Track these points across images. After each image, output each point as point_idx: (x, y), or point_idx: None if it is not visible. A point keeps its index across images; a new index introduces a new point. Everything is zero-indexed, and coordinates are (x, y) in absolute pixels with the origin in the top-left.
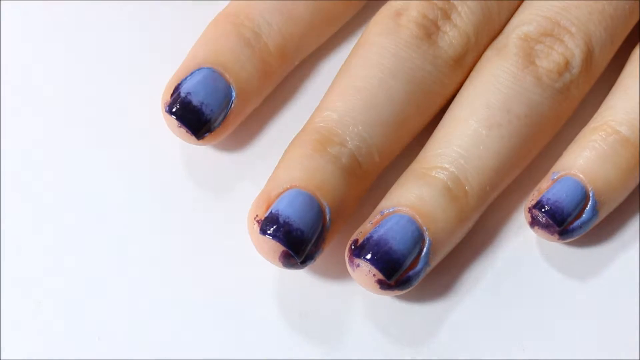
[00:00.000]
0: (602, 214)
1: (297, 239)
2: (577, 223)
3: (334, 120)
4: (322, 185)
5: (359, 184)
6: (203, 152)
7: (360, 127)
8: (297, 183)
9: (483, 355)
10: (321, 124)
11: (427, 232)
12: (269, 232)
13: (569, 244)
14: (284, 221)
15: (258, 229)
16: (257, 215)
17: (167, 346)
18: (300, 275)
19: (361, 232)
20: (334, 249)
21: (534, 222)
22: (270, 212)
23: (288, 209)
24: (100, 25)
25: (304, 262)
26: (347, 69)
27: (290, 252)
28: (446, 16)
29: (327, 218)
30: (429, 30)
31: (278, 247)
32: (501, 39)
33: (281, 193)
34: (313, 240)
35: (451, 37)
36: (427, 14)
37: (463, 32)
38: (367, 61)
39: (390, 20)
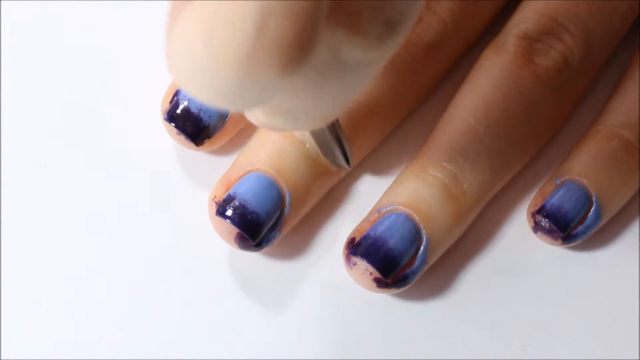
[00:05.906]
0: (605, 218)
1: (251, 222)
2: (580, 228)
3: None
4: (284, 169)
5: (324, 171)
6: (203, 154)
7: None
8: (259, 166)
9: (483, 355)
10: None
11: (424, 231)
12: (224, 213)
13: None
14: (240, 204)
15: (215, 210)
16: (215, 197)
17: (168, 345)
18: (299, 275)
19: (358, 231)
20: (331, 248)
21: (537, 227)
22: (229, 194)
23: (245, 192)
24: (99, 28)
25: (259, 245)
26: None
27: (244, 234)
28: None
29: (287, 203)
30: None
31: (233, 229)
32: (500, 37)
33: (242, 175)
34: (269, 225)
35: (427, 23)
36: None
37: (440, 17)
38: None
39: None
